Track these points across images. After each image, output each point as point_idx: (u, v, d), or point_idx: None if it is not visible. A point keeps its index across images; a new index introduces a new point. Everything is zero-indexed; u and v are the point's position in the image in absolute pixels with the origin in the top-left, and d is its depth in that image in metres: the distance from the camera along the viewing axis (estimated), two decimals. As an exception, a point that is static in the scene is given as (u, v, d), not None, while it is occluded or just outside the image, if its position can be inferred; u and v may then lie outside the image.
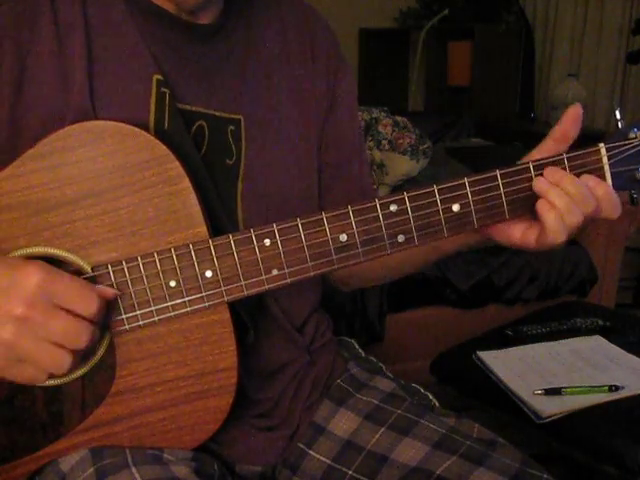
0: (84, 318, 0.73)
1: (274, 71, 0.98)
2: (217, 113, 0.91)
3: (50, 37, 0.83)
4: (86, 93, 0.83)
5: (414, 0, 4.31)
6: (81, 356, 0.76)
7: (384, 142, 2.78)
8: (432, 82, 4.41)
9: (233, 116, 0.92)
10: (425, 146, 2.77)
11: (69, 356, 0.73)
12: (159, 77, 0.86)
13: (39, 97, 0.82)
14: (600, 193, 0.80)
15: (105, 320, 0.79)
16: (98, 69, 0.84)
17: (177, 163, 0.80)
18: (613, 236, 2.58)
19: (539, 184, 0.81)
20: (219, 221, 0.85)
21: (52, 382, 0.81)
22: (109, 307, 0.80)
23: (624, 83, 3.73)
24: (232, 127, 0.92)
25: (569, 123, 0.83)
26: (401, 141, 2.76)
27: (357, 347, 1.18)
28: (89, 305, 0.73)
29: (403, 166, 2.72)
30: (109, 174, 0.79)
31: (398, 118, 2.88)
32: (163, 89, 0.86)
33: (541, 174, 0.81)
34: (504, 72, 4.07)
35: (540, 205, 0.81)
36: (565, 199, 0.79)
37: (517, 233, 0.85)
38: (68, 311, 0.72)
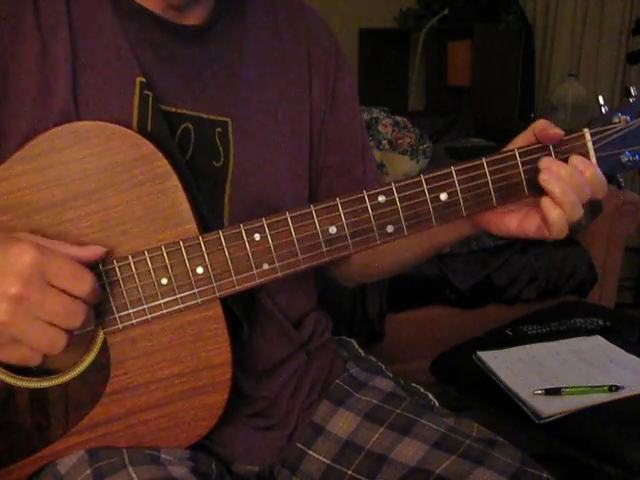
0: (78, 297, 0.72)
1: (267, 72, 0.97)
2: (204, 115, 0.90)
3: (33, 40, 0.82)
4: (69, 96, 0.83)
5: (414, 0, 4.32)
6: (74, 337, 0.74)
7: (384, 142, 2.79)
8: (432, 82, 4.42)
9: (220, 118, 0.92)
10: (425, 146, 2.77)
11: (64, 335, 0.72)
12: (142, 79, 0.85)
13: (22, 100, 0.82)
14: (588, 175, 0.80)
15: (95, 320, 0.79)
16: (81, 72, 0.84)
17: (164, 161, 0.80)
18: (613, 236, 2.59)
19: (545, 177, 0.80)
20: (205, 223, 0.84)
21: (46, 383, 0.81)
22: (100, 307, 0.80)
23: (624, 83, 3.72)
24: (219, 129, 0.91)
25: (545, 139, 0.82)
26: (401, 141, 2.76)
27: (357, 347, 1.18)
28: (83, 284, 0.72)
29: (403, 166, 2.73)
30: (97, 174, 0.79)
31: (398, 118, 2.88)
32: (146, 92, 0.85)
33: (528, 161, 0.81)
34: (504, 72, 4.07)
35: (545, 203, 0.80)
36: (570, 196, 0.79)
37: (513, 224, 0.84)
38: (62, 290, 0.71)
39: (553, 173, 0.80)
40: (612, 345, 1.80)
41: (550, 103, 3.81)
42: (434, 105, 4.40)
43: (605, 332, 1.88)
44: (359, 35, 4.36)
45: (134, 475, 0.81)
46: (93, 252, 0.77)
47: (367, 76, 4.31)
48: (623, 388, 1.56)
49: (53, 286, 0.71)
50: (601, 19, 3.75)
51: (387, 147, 2.77)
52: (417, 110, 4.33)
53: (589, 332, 1.88)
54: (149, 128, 0.85)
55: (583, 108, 3.66)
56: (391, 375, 1.10)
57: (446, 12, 4.02)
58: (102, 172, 0.79)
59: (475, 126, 3.56)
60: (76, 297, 0.72)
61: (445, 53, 4.25)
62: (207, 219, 0.85)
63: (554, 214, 0.79)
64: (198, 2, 0.90)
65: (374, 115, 2.88)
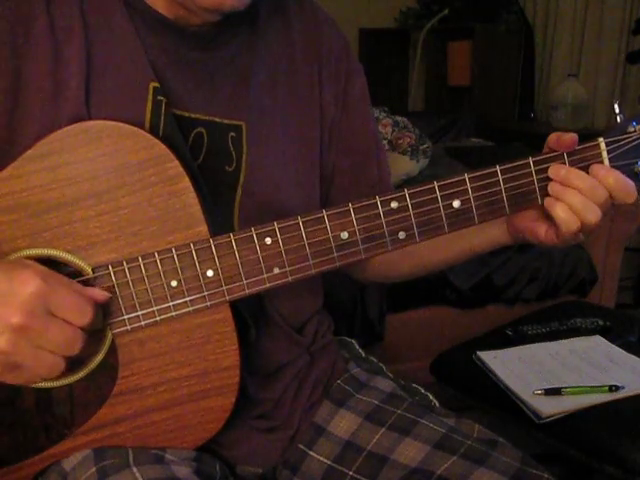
0: (78, 327, 0.73)
1: (278, 76, 0.97)
2: (217, 119, 0.91)
3: (46, 43, 0.82)
4: (81, 99, 0.83)
5: (414, 0, 4.31)
6: (72, 360, 0.76)
7: (384, 142, 2.78)
8: (432, 82, 4.40)
9: (235, 122, 0.92)
10: (425, 146, 2.77)
11: (63, 362, 0.73)
12: (156, 85, 0.86)
13: (34, 103, 0.82)
14: (611, 181, 0.81)
15: (103, 321, 0.80)
16: (94, 76, 0.84)
17: (176, 162, 0.80)
18: (613, 236, 2.58)
19: (552, 188, 0.82)
20: (215, 226, 0.84)
21: (53, 384, 0.81)
22: (109, 308, 0.80)
23: (624, 83, 3.73)
24: (233, 133, 0.92)
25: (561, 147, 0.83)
26: (401, 141, 2.76)
27: (357, 347, 1.18)
28: (84, 316, 0.73)
29: (403, 166, 2.72)
30: (108, 174, 0.79)
31: (398, 118, 2.88)
32: (159, 97, 0.86)
33: (542, 170, 0.82)
34: (504, 72, 4.06)
35: (547, 201, 0.82)
36: (579, 198, 0.80)
37: (542, 232, 0.86)
38: (63, 320, 0.72)
39: (559, 178, 0.81)
40: (612, 345, 1.79)
41: (550, 103, 3.81)
42: (434, 105, 4.38)
43: (605, 332, 1.87)
44: (359, 35, 4.34)
45: (138, 475, 0.81)
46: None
47: (367, 76, 4.28)
48: (623, 388, 1.55)
49: (55, 316, 0.72)
50: (601, 19, 3.74)
51: (387, 147, 2.77)
52: (417, 110, 4.32)
53: (589, 332, 1.88)
54: (161, 133, 0.85)
55: (583, 108, 3.67)
56: (392, 376, 1.11)
57: (446, 12, 4.01)
58: (113, 172, 0.79)
59: (475, 126, 3.56)
60: (76, 327, 0.73)
61: (445, 53, 4.23)
62: (217, 222, 0.85)
63: (558, 210, 0.81)
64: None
65: (374, 115, 2.88)
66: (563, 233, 0.82)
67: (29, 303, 0.70)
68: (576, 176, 0.81)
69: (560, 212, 0.81)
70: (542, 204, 0.83)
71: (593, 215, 0.81)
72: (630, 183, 0.81)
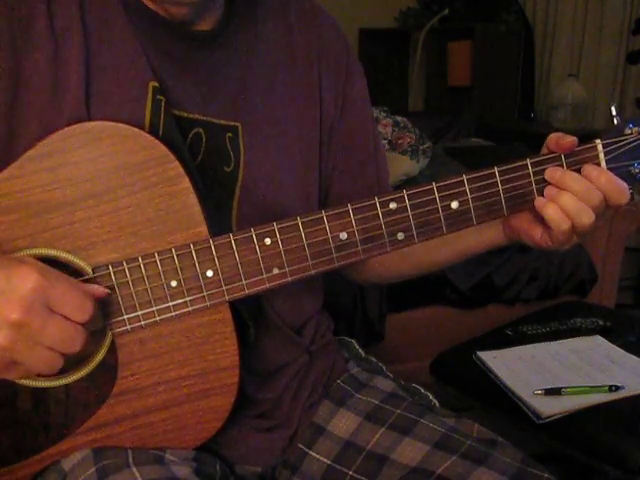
0: (78, 324, 0.73)
1: (277, 76, 0.97)
2: (215, 120, 0.91)
3: (46, 43, 0.82)
4: (81, 99, 0.83)
5: (414, 0, 4.31)
6: (72, 359, 0.76)
7: (384, 142, 2.78)
8: (432, 82, 4.41)
9: (231, 123, 0.92)
10: (425, 146, 2.77)
11: (61, 359, 0.73)
12: (155, 84, 0.86)
13: (35, 103, 0.82)
14: (603, 181, 0.81)
15: (103, 321, 0.80)
16: (94, 75, 0.84)
17: (177, 163, 0.80)
18: (613, 236, 2.59)
19: (548, 192, 0.83)
20: (213, 227, 0.84)
21: (53, 383, 0.81)
22: (109, 308, 0.80)
23: (624, 83, 3.73)
24: (230, 134, 0.92)
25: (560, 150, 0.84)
26: (401, 141, 2.76)
27: (357, 347, 1.18)
28: (84, 312, 0.72)
29: (403, 166, 2.72)
30: (109, 175, 0.80)
31: (398, 118, 2.88)
32: (159, 96, 0.86)
33: (539, 171, 0.83)
34: (504, 72, 4.07)
35: (537, 201, 0.83)
36: (573, 201, 0.81)
37: (537, 234, 0.86)
38: (63, 316, 0.71)
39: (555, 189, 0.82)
40: (612, 345, 1.79)
41: (550, 103, 3.82)
42: (434, 105, 4.39)
43: (605, 332, 1.87)
44: (359, 35, 4.35)
45: (137, 475, 0.82)
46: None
47: (367, 76, 4.27)
48: (623, 388, 1.55)
49: (54, 312, 0.71)
50: (601, 19, 3.75)
51: (387, 147, 2.77)
52: (417, 110, 4.32)
53: (589, 332, 1.88)
54: (161, 132, 0.85)
55: (583, 108, 3.67)
56: (392, 375, 1.11)
57: (446, 12, 4.02)
58: (114, 173, 0.79)
59: (475, 126, 3.56)
60: (76, 324, 0.72)
61: (445, 53, 4.23)
62: (215, 223, 0.85)
63: (549, 210, 0.82)
64: (203, 12, 0.90)
65: (374, 115, 2.87)
66: (555, 233, 0.83)
67: (28, 299, 0.69)
68: (570, 178, 0.81)
69: (551, 212, 0.82)
70: None
71: (586, 217, 0.82)
72: (623, 184, 0.82)
